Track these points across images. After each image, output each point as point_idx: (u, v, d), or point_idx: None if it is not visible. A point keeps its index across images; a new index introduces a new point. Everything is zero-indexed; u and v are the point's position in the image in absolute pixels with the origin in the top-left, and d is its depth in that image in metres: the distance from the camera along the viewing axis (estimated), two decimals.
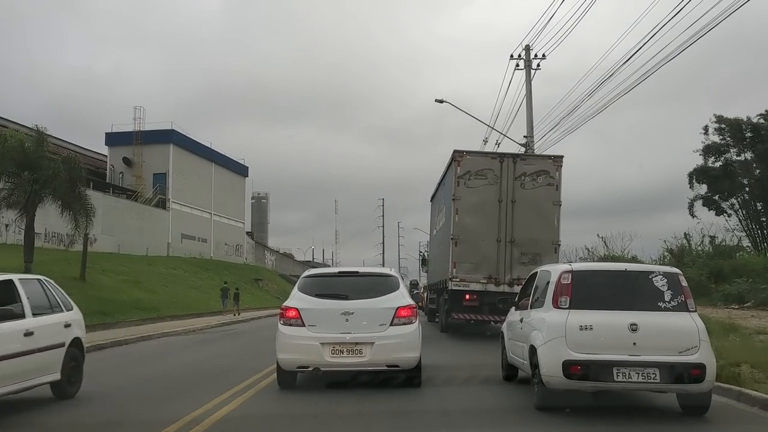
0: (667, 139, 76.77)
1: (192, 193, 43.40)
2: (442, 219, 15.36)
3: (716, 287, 17.69)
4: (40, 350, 5.94)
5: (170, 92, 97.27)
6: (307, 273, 7.62)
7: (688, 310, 5.58)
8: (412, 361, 6.70)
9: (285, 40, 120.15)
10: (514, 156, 13.87)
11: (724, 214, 27.93)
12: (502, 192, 12.83)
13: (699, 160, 28.21)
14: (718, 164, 27.92)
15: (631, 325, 5.37)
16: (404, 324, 6.69)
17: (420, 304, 20.60)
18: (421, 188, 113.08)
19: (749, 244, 25.92)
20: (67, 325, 6.56)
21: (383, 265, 48.59)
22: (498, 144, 22.59)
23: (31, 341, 5.84)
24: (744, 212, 27.71)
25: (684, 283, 5.72)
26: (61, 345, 6.35)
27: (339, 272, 7.62)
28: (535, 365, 5.78)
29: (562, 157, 13.23)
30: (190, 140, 43.96)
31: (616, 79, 20.75)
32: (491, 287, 12.68)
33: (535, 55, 20.51)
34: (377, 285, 7.03)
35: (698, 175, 28.20)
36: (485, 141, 24.18)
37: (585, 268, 6.36)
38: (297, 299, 6.90)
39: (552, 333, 5.58)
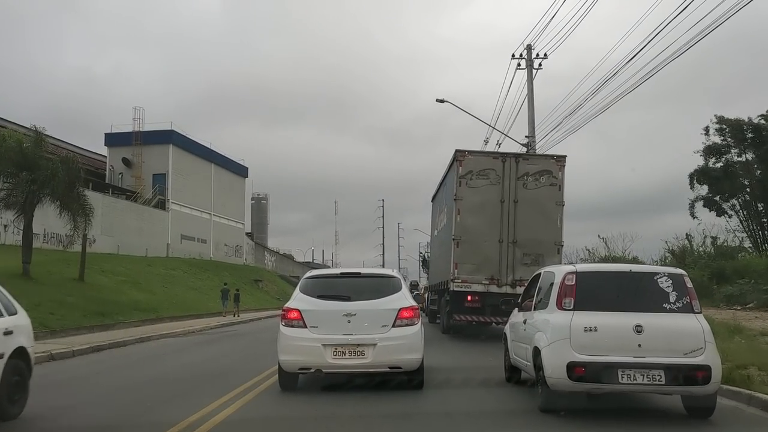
0: (668, 139, 76.89)
1: (191, 194, 43.32)
2: (443, 219, 15.28)
3: (718, 288, 17.63)
4: None
5: (170, 93, 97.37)
6: (308, 274, 7.58)
7: (693, 312, 5.55)
8: (414, 363, 6.66)
9: (285, 41, 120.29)
10: (517, 156, 13.79)
11: (725, 215, 27.86)
12: (504, 192, 12.76)
13: (699, 161, 28.17)
14: (718, 165, 27.85)
15: (635, 326, 5.34)
16: (406, 325, 6.65)
17: (421, 305, 20.53)
18: (421, 189, 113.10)
19: (750, 245, 25.85)
20: (8, 333, 5.60)
21: (383, 266, 48.59)
22: (499, 144, 22.56)
23: None
24: (745, 213, 27.64)
25: (689, 284, 5.69)
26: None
27: (341, 273, 7.56)
28: (539, 367, 5.73)
29: (564, 156, 13.15)
30: (190, 141, 43.88)
31: (617, 79, 20.66)
32: (493, 288, 12.60)
33: (537, 55, 20.47)
34: (379, 286, 6.99)
35: (699, 175, 28.12)
36: (486, 141, 24.14)
37: (589, 269, 6.34)
38: (299, 300, 6.86)
39: (556, 334, 5.54)
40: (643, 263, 19.09)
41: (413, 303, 6.96)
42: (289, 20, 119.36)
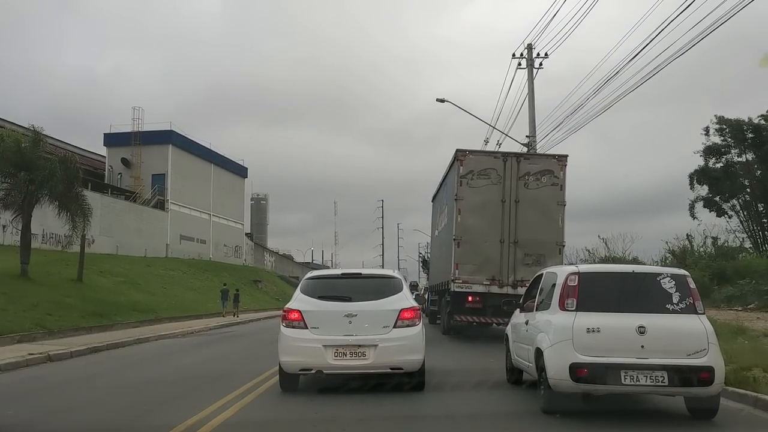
0: (668, 140, 76.92)
1: (191, 194, 43.23)
2: (444, 219, 15.22)
3: (719, 289, 17.59)
4: None
5: (170, 93, 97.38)
6: (309, 275, 7.55)
7: (696, 313, 5.53)
8: (415, 364, 6.63)
9: (285, 42, 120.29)
10: (518, 155, 13.73)
11: (725, 216, 27.83)
12: (505, 192, 12.69)
13: (700, 161, 28.15)
14: (719, 165, 27.83)
15: (638, 327, 5.31)
16: (408, 326, 6.62)
17: (421, 306, 20.46)
18: (420, 190, 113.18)
19: (751, 246, 25.82)
20: None
21: (383, 267, 48.51)
22: (499, 144, 22.49)
23: None
24: (745, 213, 27.60)
25: (692, 285, 5.67)
26: None
27: (342, 274, 7.51)
28: (541, 368, 5.71)
29: (566, 156, 13.07)
30: (189, 141, 43.79)
31: (618, 79, 20.63)
32: (494, 289, 12.54)
33: (538, 54, 20.40)
34: (380, 287, 6.96)
35: (699, 176, 28.10)
36: (486, 141, 24.07)
37: (592, 269, 6.33)
38: (299, 301, 6.84)
39: (559, 335, 5.52)
40: (644, 264, 19.07)
41: (414, 304, 6.93)
42: (289, 21, 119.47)
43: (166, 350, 12.82)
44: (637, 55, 13.18)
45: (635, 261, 21.97)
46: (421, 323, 6.83)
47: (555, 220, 12.70)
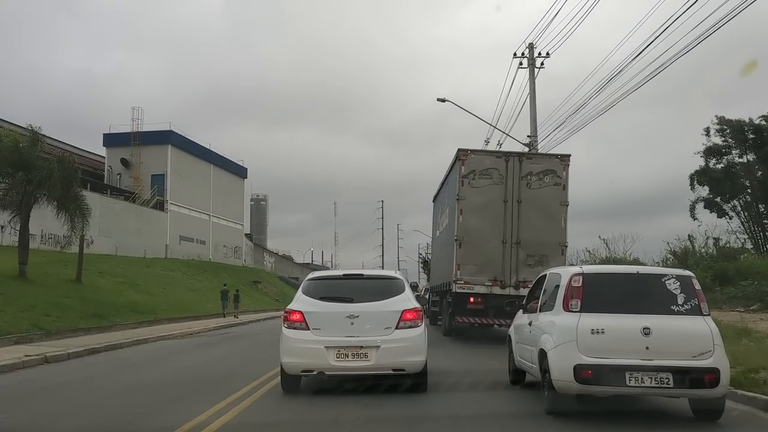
0: (668, 140, 76.91)
1: (190, 195, 43.15)
2: (445, 220, 15.14)
3: (721, 290, 17.52)
4: None
5: (170, 95, 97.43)
6: (311, 275, 7.52)
7: (701, 314, 5.50)
8: (418, 365, 6.60)
9: (285, 43, 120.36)
10: (520, 155, 13.62)
11: (726, 217, 27.78)
12: (507, 192, 12.59)
13: (700, 162, 28.11)
14: (719, 166, 27.79)
15: (643, 328, 5.29)
16: (410, 327, 6.60)
17: (423, 306, 20.35)
18: (420, 190, 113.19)
19: (752, 247, 25.75)
20: None
21: (383, 268, 48.49)
22: (500, 145, 22.40)
23: None
24: (746, 214, 27.56)
25: (697, 287, 5.65)
26: None
27: (344, 275, 7.46)
28: (545, 369, 5.68)
29: (569, 156, 12.94)
30: (189, 141, 43.71)
31: (619, 79, 20.53)
32: (496, 290, 12.44)
33: (539, 54, 20.31)
34: (382, 288, 6.93)
35: (699, 176, 28.06)
36: (487, 142, 23.99)
37: (596, 270, 6.27)
38: (301, 302, 6.81)
39: (563, 337, 5.49)
40: (645, 265, 18.97)
41: (416, 305, 6.89)
42: (289, 22, 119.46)
43: (165, 352, 12.73)
44: (641, 52, 13.12)
45: (636, 262, 21.88)
46: (423, 324, 6.80)
47: (558, 220, 12.59)
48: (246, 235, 55.79)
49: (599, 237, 28.98)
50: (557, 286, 5.95)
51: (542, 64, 20.37)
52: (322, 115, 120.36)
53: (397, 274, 7.40)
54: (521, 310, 7.38)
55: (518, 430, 5.51)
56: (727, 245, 23.97)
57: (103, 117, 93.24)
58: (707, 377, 5.12)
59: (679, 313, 5.42)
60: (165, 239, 39.62)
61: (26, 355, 10.17)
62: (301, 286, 7.20)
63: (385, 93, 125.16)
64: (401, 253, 70.70)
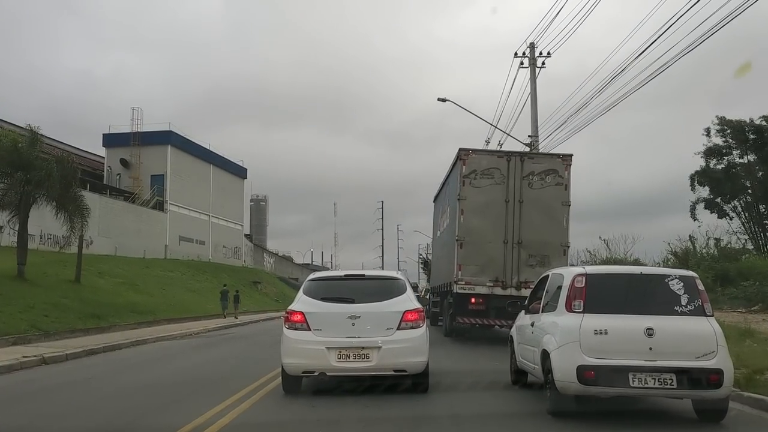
0: (669, 141, 76.89)
1: (190, 195, 43.09)
2: (446, 220, 15.08)
3: (722, 290, 17.48)
4: None
5: (170, 95, 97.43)
6: (312, 276, 7.49)
7: (705, 315, 5.48)
8: (419, 366, 6.57)
9: (285, 44, 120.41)
10: (522, 154, 13.55)
11: (726, 217, 27.75)
12: (509, 192, 12.51)
13: (700, 162, 28.09)
14: (720, 166, 27.77)
15: (647, 329, 5.26)
16: (411, 328, 6.57)
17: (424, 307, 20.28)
18: (420, 191, 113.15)
19: (753, 247, 25.71)
20: None
21: (382, 268, 48.44)
22: (500, 145, 22.33)
23: None
24: (746, 215, 27.53)
25: (701, 287, 5.64)
26: None
27: (345, 275, 7.43)
28: (547, 370, 5.66)
29: (571, 155, 12.86)
30: (189, 141, 43.65)
31: (621, 79, 20.49)
32: (498, 290, 12.36)
33: (540, 53, 20.26)
34: (384, 288, 6.91)
35: (700, 177, 28.05)
36: (487, 142, 23.94)
37: (599, 271, 6.28)
38: (302, 303, 6.78)
39: (566, 337, 5.47)
40: (645, 265, 18.94)
41: (418, 305, 6.86)
42: (289, 23, 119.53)
43: (165, 352, 12.67)
44: (644, 51, 13.07)
45: (637, 262, 21.84)
46: (425, 325, 6.78)
47: (560, 220, 12.51)
48: (246, 235, 55.74)
49: (599, 238, 28.96)
50: (560, 287, 5.94)
51: (543, 63, 20.33)
52: (322, 116, 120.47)
53: (399, 275, 7.38)
54: (523, 311, 7.36)
55: (520, 430, 5.49)
56: (728, 246, 23.95)
57: (102, 118, 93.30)
58: (711, 378, 5.10)
59: (682, 313, 5.40)
60: (164, 240, 39.57)
61: (24, 356, 10.10)
62: (302, 286, 7.18)
63: (385, 94, 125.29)
64: (401, 253, 70.72)
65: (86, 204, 19.70)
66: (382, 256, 66.55)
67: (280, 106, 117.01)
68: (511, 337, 7.64)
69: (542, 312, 6.32)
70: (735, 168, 27.32)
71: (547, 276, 6.72)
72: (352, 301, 6.64)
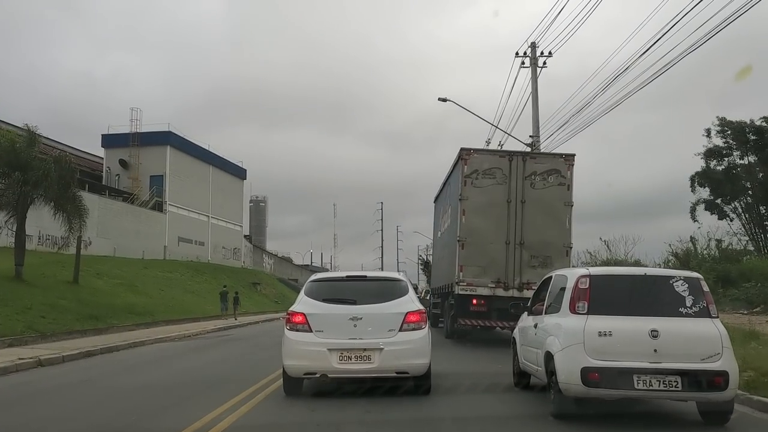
0: (669, 142, 76.87)
1: (189, 196, 42.99)
2: (447, 220, 14.99)
3: (724, 291, 17.42)
4: None
5: (170, 96, 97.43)
6: (314, 277, 7.44)
7: (710, 316, 5.44)
8: (421, 368, 6.52)
9: (285, 45, 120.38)
10: (524, 154, 13.47)
11: (727, 218, 27.68)
12: (511, 192, 12.41)
13: (701, 163, 28.02)
14: (720, 168, 27.70)
15: (651, 331, 5.22)
16: (413, 329, 6.53)
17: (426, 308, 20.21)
18: (420, 192, 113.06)
19: (753, 248, 25.66)
20: None
21: (382, 269, 48.36)
22: (501, 145, 22.25)
23: None
24: (747, 216, 27.46)
25: (705, 289, 5.60)
26: None
27: (347, 276, 7.40)
28: (551, 372, 5.62)
29: (573, 155, 12.76)
30: (188, 142, 43.58)
31: (623, 79, 20.47)
32: (500, 292, 12.26)
33: (541, 53, 20.20)
34: (386, 289, 6.85)
35: (700, 178, 27.98)
36: (488, 143, 23.84)
37: (603, 272, 6.23)
38: (304, 304, 6.73)
39: (570, 339, 5.42)
40: (646, 266, 18.87)
41: (420, 307, 6.81)
42: (289, 24, 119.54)
43: (163, 354, 12.58)
44: (647, 50, 13.00)
45: (637, 263, 21.77)
46: (427, 327, 6.73)
47: (562, 221, 12.41)
48: (245, 236, 55.65)
49: (600, 239, 28.86)
50: (563, 288, 5.90)
51: (545, 63, 20.26)
52: (322, 117, 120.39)
53: (401, 276, 7.37)
54: (526, 313, 7.32)
55: None
56: (730, 247, 23.88)
57: (102, 119, 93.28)
58: (716, 380, 5.06)
59: (687, 315, 5.35)
60: (163, 240, 39.47)
61: (20, 358, 9.99)
62: (304, 287, 7.12)
63: (385, 94, 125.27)
64: (401, 254, 70.65)
65: (85, 204, 19.61)
66: (382, 257, 66.50)
67: (280, 107, 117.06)
68: (514, 338, 7.60)
69: (545, 313, 6.28)
70: (735, 169, 27.26)
71: (551, 277, 6.67)
72: (354, 303, 6.59)
